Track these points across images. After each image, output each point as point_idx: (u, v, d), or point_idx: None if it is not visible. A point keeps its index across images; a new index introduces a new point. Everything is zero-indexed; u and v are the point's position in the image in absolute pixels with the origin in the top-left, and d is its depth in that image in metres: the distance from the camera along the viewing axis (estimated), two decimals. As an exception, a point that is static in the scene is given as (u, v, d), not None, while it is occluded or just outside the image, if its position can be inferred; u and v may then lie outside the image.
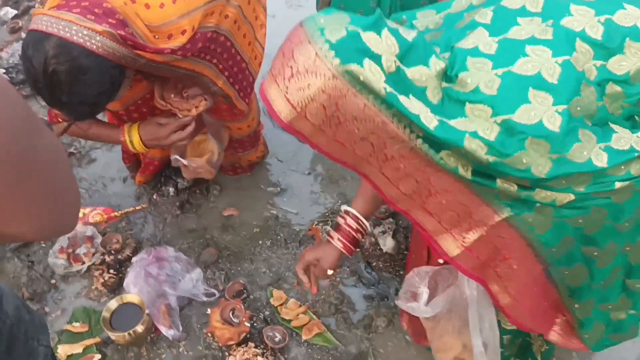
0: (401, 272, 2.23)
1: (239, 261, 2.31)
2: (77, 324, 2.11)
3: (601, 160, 1.06)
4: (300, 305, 2.14)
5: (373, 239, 2.26)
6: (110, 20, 1.55)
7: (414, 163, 1.08)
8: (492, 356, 1.51)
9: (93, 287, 2.22)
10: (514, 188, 1.08)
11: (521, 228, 1.15)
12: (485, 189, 1.10)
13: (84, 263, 2.27)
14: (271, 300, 2.16)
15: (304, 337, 2.05)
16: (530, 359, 1.76)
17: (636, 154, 1.08)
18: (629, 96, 1.10)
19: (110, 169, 2.67)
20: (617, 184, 1.08)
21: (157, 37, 1.68)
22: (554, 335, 1.41)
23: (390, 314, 2.12)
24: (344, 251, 1.58)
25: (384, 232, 2.26)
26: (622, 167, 1.07)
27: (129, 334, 1.97)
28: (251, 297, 2.19)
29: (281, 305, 2.14)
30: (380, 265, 2.25)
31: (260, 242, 2.38)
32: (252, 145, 2.45)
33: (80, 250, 2.30)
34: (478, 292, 1.42)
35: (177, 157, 2.17)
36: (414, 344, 2.04)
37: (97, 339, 2.06)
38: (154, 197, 2.53)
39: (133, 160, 2.54)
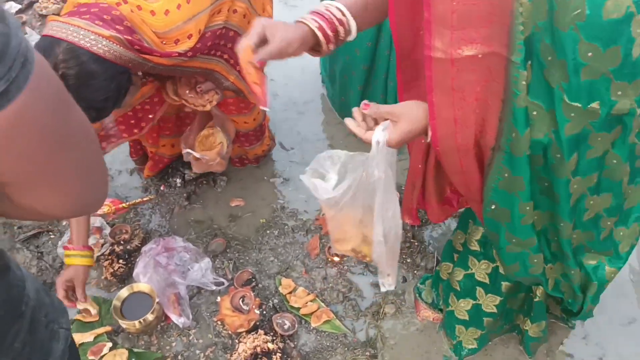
0: (408, 260, 2.25)
1: (247, 250, 2.33)
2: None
3: None
4: (308, 293, 2.16)
5: (380, 228, 2.28)
6: (118, 26, 1.58)
7: None
8: (391, 246, 1.46)
9: (102, 277, 2.24)
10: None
11: (511, 81, 1.05)
12: (523, 5, 0.98)
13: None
14: (280, 288, 2.18)
15: (312, 324, 2.07)
16: (519, 334, 1.80)
17: None
18: None
19: (116, 162, 2.68)
20: (591, 105, 1.03)
21: (164, 42, 1.71)
22: (478, 210, 1.38)
23: (398, 301, 2.14)
24: (317, 31, 1.23)
25: (390, 221, 2.27)
26: None
27: (140, 322, 1.99)
28: (260, 285, 2.21)
29: (290, 293, 2.16)
30: (388, 254, 2.26)
31: (267, 231, 2.40)
32: (258, 139, 2.47)
33: (89, 241, 2.30)
34: (387, 176, 1.31)
35: (189, 150, 2.19)
36: (422, 330, 2.06)
37: (108, 328, 2.07)
38: (162, 188, 2.55)
39: (141, 154, 2.56)
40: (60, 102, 0.65)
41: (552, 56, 1.00)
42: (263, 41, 1.18)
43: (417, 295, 2.11)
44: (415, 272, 2.23)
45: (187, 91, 1.95)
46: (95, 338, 2.04)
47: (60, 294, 1.85)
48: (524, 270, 1.41)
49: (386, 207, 1.37)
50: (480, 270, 1.69)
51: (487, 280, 1.69)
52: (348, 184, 1.39)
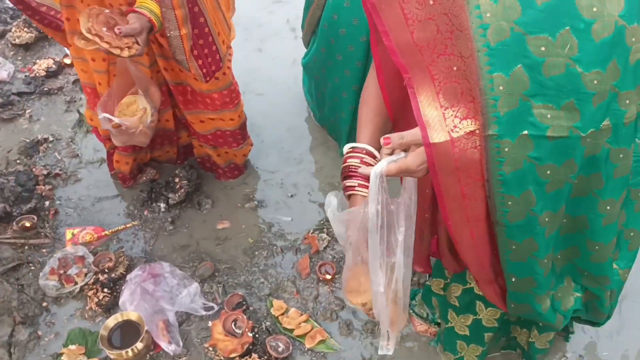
0: (400, 275, 2.22)
1: (236, 273, 2.28)
2: (73, 347, 2.04)
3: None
4: (301, 314, 2.11)
5: (370, 244, 2.25)
6: None
7: (445, 3, 0.98)
8: (397, 298, 1.28)
9: (87, 308, 2.16)
10: (525, 84, 1.00)
11: (492, 158, 1.06)
12: (493, 79, 1.00)
13: (76, 283, 2.21)
14: (271, 310, 2.13)
15: (307, 345, 2.03)
16: (533, 326, 1.77)
17: None
18: None
19: (97, 188, 2.62)
20: (604, 122, 1.05)
21: None
22: (491, 291, 1.36)
23: (393, 317, 2.11)
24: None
25: (381, 236, 2.24)
26: (627, 101, 1.05)
27: (129, 351, 1.92)
28: (251, 308, 2.15)
29: (282, 314, 2.11)
30: (379, 270, 2.23)
31: (256, 253, 2.35)
32: (245, 138, 2.47)
33: (72, 271, 2.24)
34: (388, 212, 1.20)
35: (107, 115, 1.97)
36: (419, 348, 2.03)
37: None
38: (145, 213, 2.49)
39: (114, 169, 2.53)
40: None
41: (554, 107, 1.01)
42: None
43: (411, 310, 2.08)
44: (408, 287, 2.20)
45: (104, 28, 1.72)
46: (82, 371, 1.97)
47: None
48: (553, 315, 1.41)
49: (386, 249, 1.22)
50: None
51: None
52: (354, 223, 1.25)
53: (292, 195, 2.57)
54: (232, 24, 2.21)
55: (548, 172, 1.08)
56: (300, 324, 2.08)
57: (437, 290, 1.86)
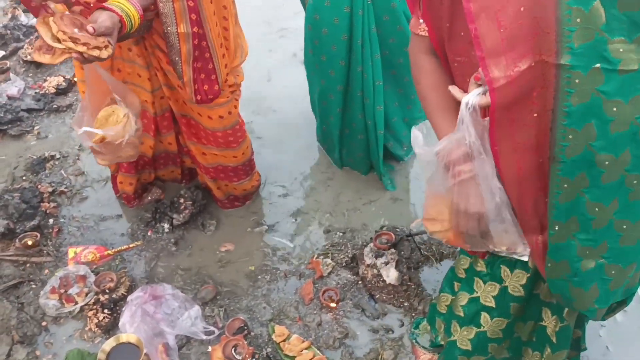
0: (405, 304, 2.18)
1: (238, 297, 2.25)
2: (70, 368, 2.01)
3: None
4: (303, 341, 2.07)
5: (375, 271, 2.22)
6: None
7: None
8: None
9: (87, 328, 2.13)
10: (602, 19, 1.02)
11: (562, 88, 1.08)
12: (572, 10, 1.02)
13: (76, 303, 2.19)
14: (273, 336, 2.09)
15: (308, 374, 1.98)
16: (547, 344, 1.70)
17: None
18: None
19: (102, 207, 2.61)
20: None
21: None
22: (533, 242, 1.33)
23: (397, 347, 2.06)
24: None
25: (386, 263, 2.21)
26: None
27: (127, 375, 1.88)
28: (252, 333, 2.12)
29: (284, 341, 2.07)
30: (384, 297, 2.19)
31: (259, 277, 2.32)
32: (247, 174, 2.43)
33: (73, 290, 2.22)
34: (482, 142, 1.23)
35: (87, 128, 1.79)
36: (423, 377, 1.98)
37: (92, 382, 1.96)
38: (149, 233, 2.47)
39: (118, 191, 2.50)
40: None
41: (626, 40, 1.03)
42: None
43: (414, 341, 2.04)
44: (412, 315, 2.15)
45: (75, 29, 1.53)
46: (78, 394, 1.93)
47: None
48: (603, 291, 1.32)
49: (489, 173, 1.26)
50: (487, 293, 1.62)
51: (493, 304, 1.62)
52: (442, 147, 1.28)
53: (296, 220, 2.54)
54: (245, 44, 2.18)
55: (614, 108, 1.08)
56: (301, 351, 2.03)
57: (443, 308, 1.82)
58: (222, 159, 2.31)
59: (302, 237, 2.48)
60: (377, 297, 2.21)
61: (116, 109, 1.84)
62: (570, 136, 1.11)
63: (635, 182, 1.16)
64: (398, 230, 2.36)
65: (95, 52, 1.53)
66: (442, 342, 1.92)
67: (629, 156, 1.13)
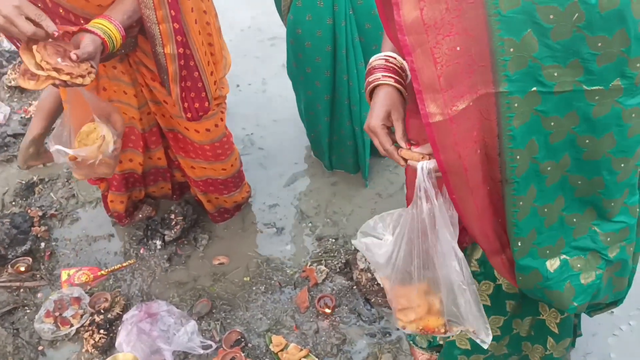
0: (401, 306, 2.18)
1: (233, 310, 2.24)
2: (68, 391, 2.01)
3: None
4: (301, 349, 2.07)
5: (370, 275, 2.22)
6: None
7: None
8: (472, 289, 1.34)
9: (84, 350, 2.13)
10: (534, 47, 1.06)
11: (503, 113, 1.11)
12: (504, 42, 1.06)
13: (72, 326, 2.18)
14: (270, 346, 2.09)
15: (308, 382, 1.98)
16: (548, 336, 1.72)
17: None
18: None
19: (94, 227, 2.60)
20: (614, 82, 1.09)
21: None
22: (498, 262, 1.36)
23: (395, 349, 2.07)
24: (398, 86, 1.33)
25: (379, 267, 2.21)
26: (638, 65, 1.09)
27: (125, 394, 1.88)
28: (250, 345, 2.11)
29: (281, 350, 2.07)
30: (380, 301, 2.20)
31: (253, 288, 2.32)
32: (237, 186, 2.43)
33: (68, 313, 2.21)
34: (439, 205, 1.26)
35: (59, 147, 1.81)
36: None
37: (91, 404, 1.96)
38: (141, 251, 2.47)
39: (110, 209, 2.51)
40: None
41: (560, 65, 1.08)
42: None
43: (411, 342, 2.04)
44: (409, 317, 2.15)
45: (59, 59, 1.55)
46: (78, 416, 1.92)
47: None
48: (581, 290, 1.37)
49: (447, 240, 1.29)
50: (481, 292, 1.63)
51: (488, 302, 1.63)
52: (399, 231, 1.33)
53: (288, 228, 2.55)
54: (228, 55, 2.19)
55: (552, 123, 1.14)
56: (300, 359, 2.03)
57: None
58: (211, 172, 2.31)
59: (295, 245, 2.48)
60: (372, 301, 2.21)
61: (97, 125, 1.86)
62: (517, 157, 1.17)
63: (579, 182, 1.24)
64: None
65: (79, 80, 1.55)
66: (441, 342, 1.93)
67: (568, 159, 1.20)
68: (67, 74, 1.53)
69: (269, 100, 3.23)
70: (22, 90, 3.37)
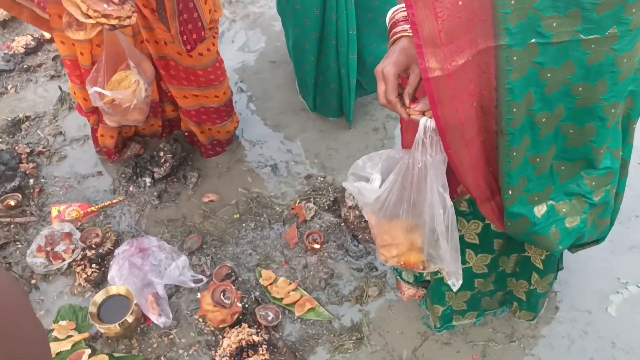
0: (388, 242, 2.23)
1: (223, 245, 2.28)
2: (63, 323, 2.05)
3: None
4: (290, 283, 2.12)
5: (357, 212, 2.26)
6: None
7: None
8: (452, 236, 1.40)
9: (76, 283, 2.17)
10: None
11: (502, 67, 1.13)
12: None
13: (64, 260, 2.21)
14: (260, 280, 2.14)
15: (296, 314, 2.04)
16: (533, 272, 1.79)
17: None
18: None
19: (82, 165, 2.60)
20: (610, 30, 1.10)
21: None
22: (487, 209, 1.41)
23: (381, 283, 2.13)
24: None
25: (367, 204, 2.25)
26: (634, 10, 1.09)
27: (119, 325, 1.92)
28: (240, 279, 2.16)
29: (271, 284, 2.12)
30: (367, 237, 2.24)
31: (243, 225, 2.35)
32: (229, 115, 2.44)
33: (59, 248, 2.24)
34: (435, 160, 1.31)
35: (98, 89, 1.89)
36: (408, 309, 2.05)
37: (86, 334, 2.00)
38: (131, 189, 2.48)
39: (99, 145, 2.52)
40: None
41: (560, 15, 1.08)
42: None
43: (398, 276, 2.09)
44: (395, 253, 2.21)
45: (105, 5, 1.60)
46: (73, 346, 1.97)
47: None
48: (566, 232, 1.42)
49: (439, 192, 1.33)
50: (470, 231, 1.67)
51: (476, 241, 1.68)
52: (393, 178, 1.36)
53: (276, 167, 2.56)
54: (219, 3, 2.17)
55: (549, 74, 1.16)
56: (289, 292, 2.09)
57: None
58: (204, 99, 2.31)
59: (284, 184, 2.50)
60: (360, 237, 2.26)
61: (129, 74, 1.91)
62: (514, 109, 1.19)
63: (571, 131, 1.27)
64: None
65: (126, 22, 1.61)
66: (427, 278, 1.99)
67: (562, 109, 1.22)
68: (116, 18, 1.58)
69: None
70: (3, 25, 3.30)
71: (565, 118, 1.25)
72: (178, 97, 2.32)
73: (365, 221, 2.24)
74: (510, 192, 1.34)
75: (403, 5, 1.33)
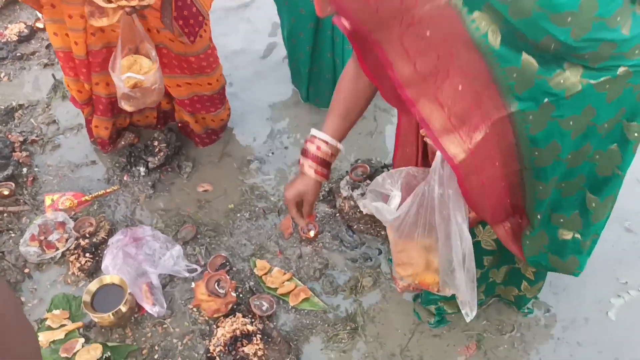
0: (382, 233, 2.23)
1: (218, 235, 2.28)
2: (56, 312, 2.04)
3: (626, 28, 1.06)
4: (284, 273, 2.12)
5: (352, 203, 2.25)
6: None
7: (442, 29, 1.03)
8: (468, 267, 1.42)
9: (70, 273, 2.16)
10: (535, 66, 1.07)
11: (518, 126, 1.14)
12: (506, 71, 1.07)
13: (57, 249, 2.20)
14: (255, 270, 2.14)
15: (291, 304, 2.04)
16: (523, 280, 1.80)
17: None
18: None
19: (76, 154, 2.59)
20: (620, 69, 1.09)
21: None
22: (501, 230, 1.42)
23: (375, 273, 2.13)
24: (318, 178, 1.44)
25: (362, 195, 2.25)
26: (637, 52, 1.08)
27: (113, 314, 1.92)
28: (234, 269, 2.16)
29: (265, 274, 2.12)
30: (362, 228, 2.24)
31: (238, 215, 2.35)
32: (222, 102, 2.44)
33: (53, 237, 2.22)
34: (454, 191, 1.34)
35: (131, 74, 1.95)
36: (401, 301, 2.05)
37: (79, 324, 2.00)
38: (125, 178, 2.47)
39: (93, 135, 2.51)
40: None
41: (562, 71, 1.09)
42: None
43: (393, 267, 2.09)
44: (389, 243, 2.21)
45: None
46: (66, 335, 1.97)
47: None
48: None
49: (457, 223, 1.36)
50: None
51: None
52: (411, 200, 1.39)
53: (270, 158, 2.56)
54: None
55: (571, 122, 1.16)
56: (283, 282, 2.09)
57: None
58: (197, 87, 2.30)
59: (279, 174, 2.50)
60: (354, 227, 2.25)
61: (137, 57, 1.96)
62: (536, 153, 1.20)
63: (597, 157, 1.26)
64: (372, 162, 2.39)
65: (146, 2, 1.68)
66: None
67: (590, 147, 1.23)
68: None
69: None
70: (-4, 12, 3.26)
71: (592, 154, 1.25)
72: (171, 86, 2.30)
73: (360, 212, 2.24)
74: (539, 217, 1.35)
75: (318, 135, 1.43)
